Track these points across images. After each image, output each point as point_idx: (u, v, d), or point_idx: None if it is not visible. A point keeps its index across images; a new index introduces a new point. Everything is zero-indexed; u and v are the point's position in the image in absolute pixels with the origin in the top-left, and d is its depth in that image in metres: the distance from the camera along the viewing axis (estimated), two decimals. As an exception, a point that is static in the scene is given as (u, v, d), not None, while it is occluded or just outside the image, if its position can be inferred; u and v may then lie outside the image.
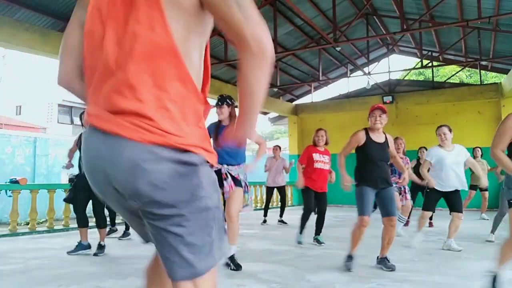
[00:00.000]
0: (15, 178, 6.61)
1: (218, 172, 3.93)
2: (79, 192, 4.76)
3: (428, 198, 5.20)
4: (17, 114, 23.40)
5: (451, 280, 3.58)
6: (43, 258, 4.54)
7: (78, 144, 5.03)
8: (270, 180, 8.37)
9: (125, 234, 6.03)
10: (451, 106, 11.86)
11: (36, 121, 21.34)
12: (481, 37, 9.84)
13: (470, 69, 17.04)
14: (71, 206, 5.98)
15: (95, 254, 4.70)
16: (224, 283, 3.48)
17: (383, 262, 3.96)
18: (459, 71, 16.40)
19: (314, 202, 5.62)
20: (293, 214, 8.68)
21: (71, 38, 1.27)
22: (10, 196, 6.45)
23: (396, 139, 6.32)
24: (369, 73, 12.35)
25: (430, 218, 7.05)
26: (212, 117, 4.23)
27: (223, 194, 3.96)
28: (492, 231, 5.71)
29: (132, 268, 3.98)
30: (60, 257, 4.62)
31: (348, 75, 13.32)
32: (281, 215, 8.30)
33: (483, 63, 11.81)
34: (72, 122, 21.87)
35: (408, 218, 7.41)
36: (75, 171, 5.19)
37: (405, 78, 16.26)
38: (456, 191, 4.99)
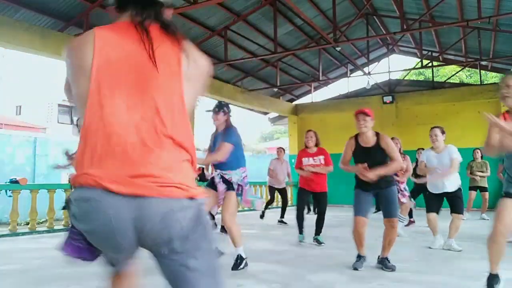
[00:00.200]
0: (15, 178, 6.61)
1: (212, 178, 4.05)
2: None
3: (428, 200, 5.28)
4: (17, 114, 23.41)
5: (451, 280, 3.58)
6: (43, 258, 4.53)
7: None
8: (273, 181, 8.39)
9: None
10: (451, 106, 11.86)
11: (36, 121, 21.35)
12: (481, 37, 9.84)
13: (470, 69, 17.03)
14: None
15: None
16: (224, 283, 3.48)
17: (383, 262, 3.97)
18: (459, 71, 16.39)
19: (310, 202, 5.65)
20: (293, 214, 8.68)
21: None
22: (10, 196, 6.45)
23: (391, 139, 6.31)
24: (369, 73, 12.35)
25: None
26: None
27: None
28: None
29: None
30: (60, 257, 4.61)
31: (348, 75, 13.32)
32: (282, 216, 8.30)
33: (483, 63, 11.81)
34: (72, 122, 21.87)
35: (411, 218, 7.42)
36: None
37: (405, 78, 16.26)
38: (455, 193, 4.98)
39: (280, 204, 8.68)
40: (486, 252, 2.95)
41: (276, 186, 8.44)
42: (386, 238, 3.97)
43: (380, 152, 3.94)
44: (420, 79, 18.72)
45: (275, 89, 13.23)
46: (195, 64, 1.29)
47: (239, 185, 4.01)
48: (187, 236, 1.16)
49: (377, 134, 4.05)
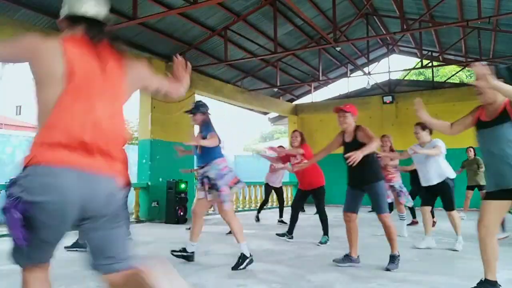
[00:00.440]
0: (15, 178, 6.59)
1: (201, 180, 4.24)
2: None
3: (420, 194, 5.44)
4: (17, 114, 23.41)
5: (451, 280, 3.58)
6: (43, 258, 4.52)
7: None
8: (272, 180, 8.36)
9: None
10: (451, 106, 11.85)
11: (36, 121, 21.33)
12: (481, 37, 9.84)
13: (470, 69, 17.01)
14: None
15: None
16: (224, 283, 3.48)
17: (390, 259, 3.96)
18: (459, 71, 16.39)
19: (301, 201, 5.84)
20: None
21: None
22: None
23: (382, 137, 6.33)
24: (369, 73, 12.35)
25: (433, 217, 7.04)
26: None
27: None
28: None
29: (132, 268, 3.97)
30: (60, 257, 4.60)
31: (348, 75, 13.31)
32: (280, 216, 8.29)
33: (483, 63, 11.79)
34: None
35: (414, 218, 7.43)
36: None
37: (405, 78, 16.27)
38: (442, 188, 4.99)
39: (276, 204, 8.64)
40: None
41: (272, 185, 8.39)
42: (385, 235, 3.99)
43: (357, 146, 3.93)
44: (420, 79, 18.73)
45: (275, 89, 13.24)
46: (136, 70, 1.74)
47: (214, 183, 4.10)
48: (120, 209, 1.63)
49: (356, 128, 4.09)
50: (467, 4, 8.48)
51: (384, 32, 11.43)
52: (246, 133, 40.16)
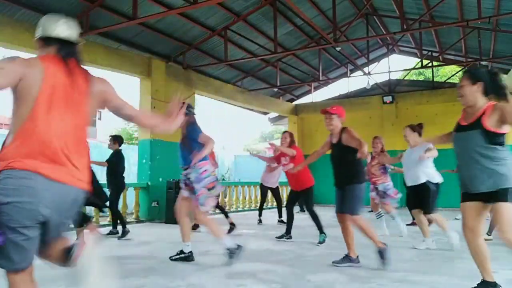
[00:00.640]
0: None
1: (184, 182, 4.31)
2: None
3: (408, 199, 5.43)
4: (17, 114, 23.41)
5: (451, 280, 3.58)
6: (43, 258, 4.53)
7: None
8: (267, 180, 8.24)
9: (124, 233, 6.03)
10: (451, 106, 11.83)
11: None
12: (481, 37, 9.83)
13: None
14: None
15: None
16: (224, 283, 3.48)
17: (378, 255, 3.95)
18: (459, 71, 16.32)
19: (294, 202, 5.98)
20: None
21: None
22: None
23: (374, 138, 6.34)
24: (369, 73, 12.35)
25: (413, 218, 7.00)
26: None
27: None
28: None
29: (132, 268, 3.97)
30: (60, 257, 4.61)
31: (348, 75, 13.31)
32: (279, 215, 8.27)
33: (483, 63, 11.79)
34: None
35: (414, 219, 7.41)
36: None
37: (405, 78, 16.27)
38: (418, 190, 4.99)
39: (274, 204, 8.60)
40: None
41: (267, 185, 8.20)
42: (363, 235, 4.05)
43: (342, 148, 4.02)
44: (420, 79, 18.72)
45: (275, 89, 13.23)
46: (100, 85, 1.93)
47: (192, 186, 4.17)
48: (73, 215, 1.87)
49: (341, 130, 4.12)
50: (467, 4, 8.48)
51: (384, 32, 11.43)
52: (246, 133, 40.22)
